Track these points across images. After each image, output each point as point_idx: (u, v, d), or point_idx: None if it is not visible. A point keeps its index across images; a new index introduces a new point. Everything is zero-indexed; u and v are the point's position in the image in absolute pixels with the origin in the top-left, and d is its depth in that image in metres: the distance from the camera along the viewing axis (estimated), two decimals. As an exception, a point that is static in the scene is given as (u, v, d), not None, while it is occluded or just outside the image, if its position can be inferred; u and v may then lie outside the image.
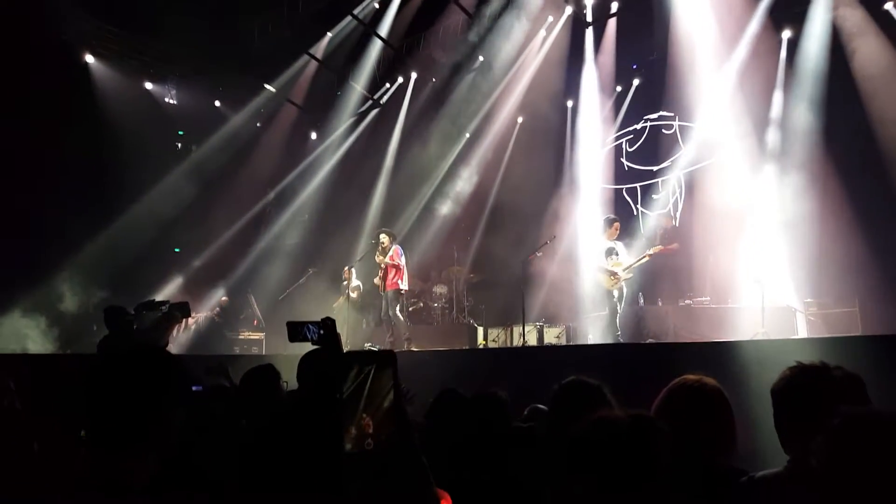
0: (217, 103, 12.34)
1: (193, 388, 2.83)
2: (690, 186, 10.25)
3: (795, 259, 8.21)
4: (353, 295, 9.82)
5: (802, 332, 7.62)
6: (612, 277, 7.82)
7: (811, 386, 1.74)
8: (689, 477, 1.85)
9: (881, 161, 7.85)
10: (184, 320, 4.66)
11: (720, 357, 4.69)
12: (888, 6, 8.46)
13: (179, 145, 12.40)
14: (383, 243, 8.82)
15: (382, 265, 8.76)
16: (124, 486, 1.35)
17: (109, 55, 10.90)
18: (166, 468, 1.50)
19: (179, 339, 9.43)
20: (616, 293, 7.83)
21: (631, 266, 7.91)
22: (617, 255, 7.95)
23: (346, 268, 9.87)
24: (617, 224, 8.11)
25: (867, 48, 8.28)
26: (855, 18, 8.53)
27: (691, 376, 2.11)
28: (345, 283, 9.87)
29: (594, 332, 9.11)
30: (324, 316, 2.05)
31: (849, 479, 1.36)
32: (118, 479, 1.36)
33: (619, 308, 7.82)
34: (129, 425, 1.43)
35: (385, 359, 1.63)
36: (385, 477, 1.53)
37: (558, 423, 2.26)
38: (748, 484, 1.77)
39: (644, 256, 7.95)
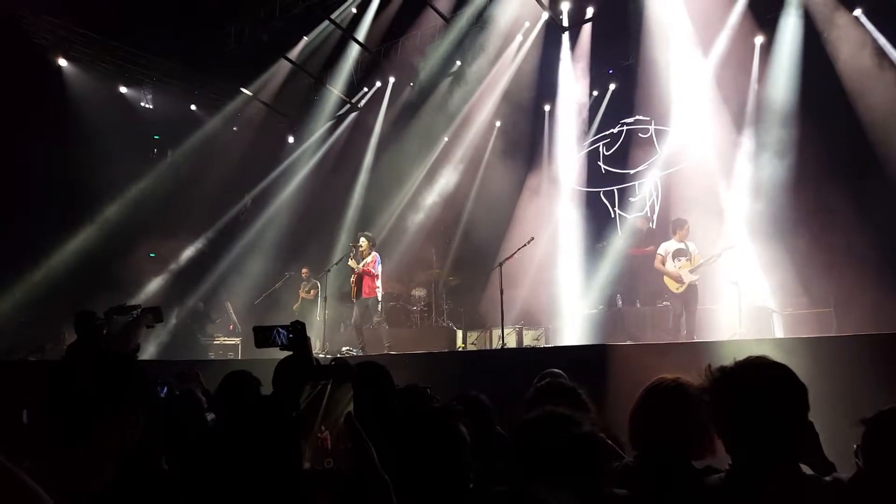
0: (193, 107, 12.17)
1: (160, 390, 2.75)
2: (667, 189, 10.37)
3: (772, 260, 8.34)
4: (310, 295, 10.09)
5: (779, 332, 7.72)
6: (678, 281, 7.82)
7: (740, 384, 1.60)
8: (660, 476, 1.84)
9: (856, 165, 8.01)
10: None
11: (698, 357, 4.73)
12: (857, 13, 8.68)
13: (156, 150, 12.19)
14: (361, 246, 8.72)
15: (357, 270, 8.61)
16: (79, 492, 1.30)
17: (83, 59, 10.70)
18: (126, 471, 1.45)
19: (151, 344, 9.24)
20: (684, 296, 7.81)
21: (698, 268, 7.81)
22: (686, 256, 7.87)
23: (305, 268, 10.24)
24: (687, 226, 8.03)
25: (845, 43, 8.45)
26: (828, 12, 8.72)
27: (669, 376, 2.10)
28: (304, 282, 10.11)
29: (586, 330, 9.21)
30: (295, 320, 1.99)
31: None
32: (73, 484, 1.31)
33: (683, 311, 7.78)
34: (86, 427, 1.39)
35: (343, 372, 1.58)
36: (344, 496, 1.48)
37: None
38: (703, 488, 1.71)
39: (713, 257, 7.81)
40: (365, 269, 8.49)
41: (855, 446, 1.53)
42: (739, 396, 1.58)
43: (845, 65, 8.40)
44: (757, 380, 1.59)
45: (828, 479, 1.58)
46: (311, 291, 10.16)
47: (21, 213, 9.16)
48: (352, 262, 8.67)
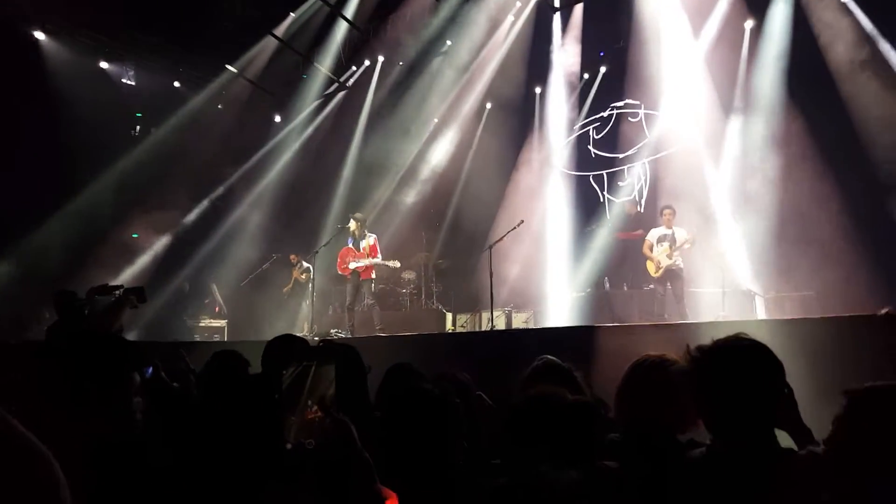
0: (176, 84, 11.90)
1: (146, 371, 2.73)
2: (655, 174, 10.41)
3: (756, 244, 8.44)
4: (302, 278, 9.94)
5: (762, 315, 7.84)
6: (656, 266, 8.00)
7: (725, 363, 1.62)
8: (644, 451, 1.86)
9: (843, 150, 8.08)
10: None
11: (682, 338, 4.77)
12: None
13: (138, 127, 11.94)
14: (352, 228, 8.65)
15: (362, 262, 8.49)
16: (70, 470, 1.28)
17: (61, 32, 10.36)
18: (114, 449, 1.45)
19: (136, 325, 9.15)
20: (662, 279, 7.97)
21: (672, 252, 7.92)
22: (668, 242, 7.97)
23: (294, 253, 10.12)
24: (668, 211, 8.16)
25: (833, 29, 8.46)
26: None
27: (654, 353, 2.13)
28: (294, 267, 10.03)
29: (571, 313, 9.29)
30: (283, 302, 1.98)
31: (861, 451, 1.37)
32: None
33: (664, 293, 7.97)
34: (75, 409, 1.38)
35: (327, 354, 1.57)
36: (324, 476, 1.47)
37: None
38: (686, 462, 1.74)
39: (685, 243, 7.91)
40: (372, 247, 8.38)
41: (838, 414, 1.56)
42: (717, 375, 1.61)
43: (833, 51, 8.44)
44: (734, 358, 1.62)
45: (803, 452, 1.61)
46: (304, 275, 10.06)
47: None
48: (353, 258, 8.56)
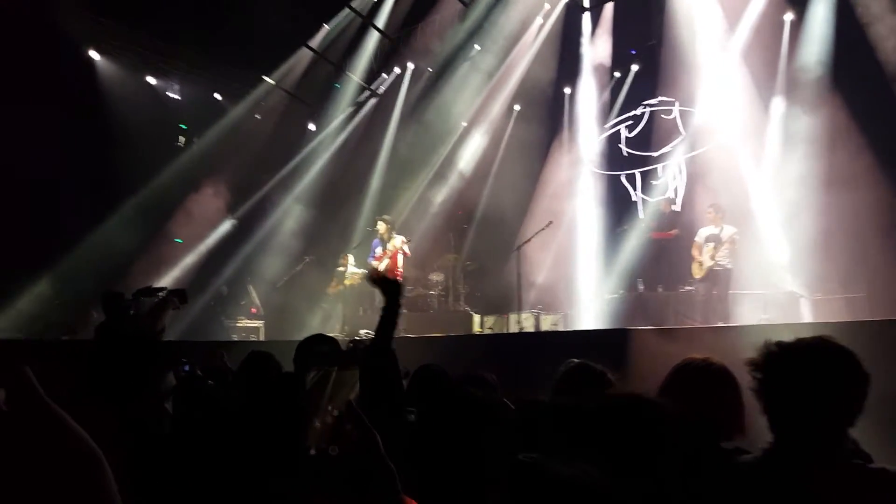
0: (217, 96, 12.33)
1: (183, 368, 2.81)
2: (692, 171, 10.17)
3: (800, 244, 8.12)
4: (351, 281, 9.96)
5: (807, 318, 7.55)
6: (699, 266, 7.82)
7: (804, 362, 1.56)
8: (688, 457, 1.81)
9: (891, 146, 7.73)
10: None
11: (722, 342, 4.64)
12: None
13: (182, 139, 12.40)
14: (380, 230, 8.74)
15: (388, 256, 8.62)
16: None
17: (113, 50, 10.89)
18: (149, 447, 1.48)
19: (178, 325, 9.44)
20: (705, 280, 7.78)
21: (715, 252, 7.71)
22: (715, 241, 7.74)
23: (344, 254, 10.01)
24: (709, 210, 7.95)
25: (881, 19, 8.09)
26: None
27: (698, 356, 2.07)
28: (342, 269, 9.96)
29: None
30: (321, 302, 2.02)
31: None
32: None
33: (706, 295, 7.74)
34: (108, 406, 1.42)
35: (349, 358, 1.57)
36: (346, 485, 1.46)
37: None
38: (734, 467, 1.68)
39: (725, 242, 7.69)
40: (400, 249, 8.47)
41: None
42: (799, 374, 1.53)
43: (881, 42, 8.06)
44: (822, 360, 1.54)
45: (873, 466, 1.53)
46: (353, 276, 10.14)
47: (54, 199, 9.48)
48: (385, 251, 8.64)
